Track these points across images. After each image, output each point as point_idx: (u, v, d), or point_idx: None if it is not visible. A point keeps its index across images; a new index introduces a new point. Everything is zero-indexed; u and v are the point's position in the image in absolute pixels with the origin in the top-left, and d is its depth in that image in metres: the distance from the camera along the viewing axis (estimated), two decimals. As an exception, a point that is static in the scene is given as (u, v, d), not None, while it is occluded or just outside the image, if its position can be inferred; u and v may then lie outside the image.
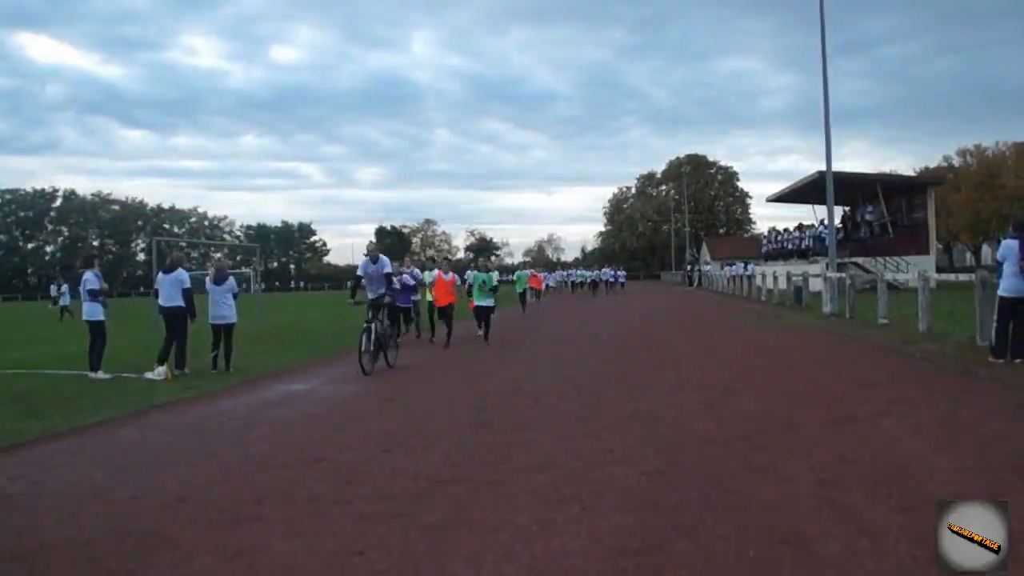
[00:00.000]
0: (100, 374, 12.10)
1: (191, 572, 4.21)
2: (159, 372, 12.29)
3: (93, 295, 12.38)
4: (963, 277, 16.69)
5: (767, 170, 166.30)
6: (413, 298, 17.92)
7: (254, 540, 4.64)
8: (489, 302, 17.53)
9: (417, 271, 18.58)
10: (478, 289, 17.49)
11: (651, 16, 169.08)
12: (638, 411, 8.35)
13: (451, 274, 17.60)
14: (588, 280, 56.90)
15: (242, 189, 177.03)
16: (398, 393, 10.42)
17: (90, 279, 12.43)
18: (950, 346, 12.66)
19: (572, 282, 59.61)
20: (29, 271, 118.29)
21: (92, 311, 12.42)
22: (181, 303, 12.72)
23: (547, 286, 49.06)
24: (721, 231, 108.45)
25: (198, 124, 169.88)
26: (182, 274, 12.98)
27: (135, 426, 8.68)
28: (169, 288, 12.83)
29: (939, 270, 45.20)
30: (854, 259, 35.92)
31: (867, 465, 5.76)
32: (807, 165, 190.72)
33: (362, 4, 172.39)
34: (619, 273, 61.81)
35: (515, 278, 34.08)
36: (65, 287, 37.67)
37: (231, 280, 13.69)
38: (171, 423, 8.80)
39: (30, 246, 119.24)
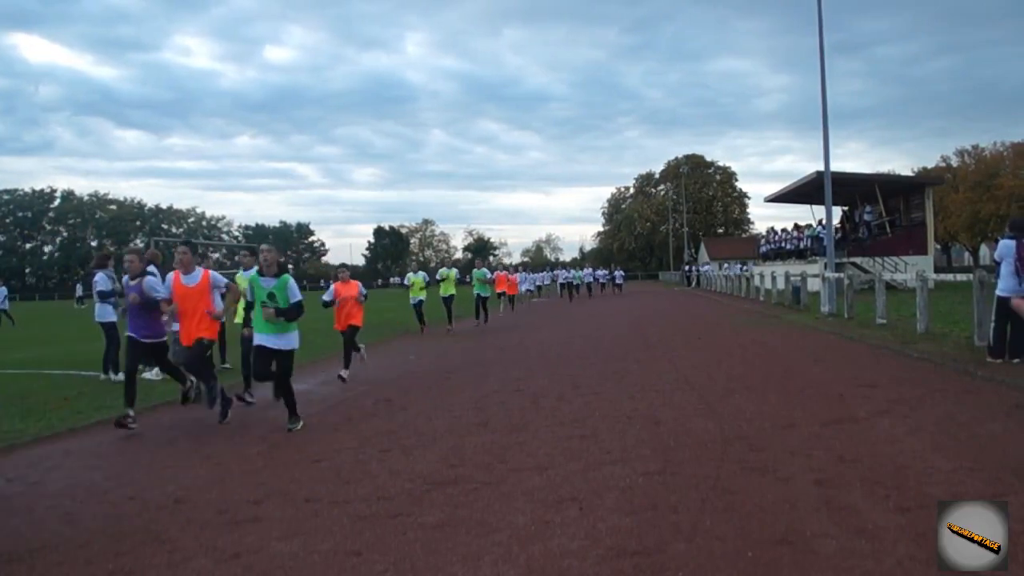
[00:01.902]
0: (111, 376, 11.97)
1: (188, 573, 4.21)
2: (156, 372, 12.28)
3: (102, 296, 12.32)
4: (961, 277, 16.65)
5: (763, 170, 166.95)
6: (172, 327, 9.56)
7: (252, 541, 4.65)
8: (283, 340, 8.34)
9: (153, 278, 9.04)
10: (258, 309, 8.45)
11: (644, 16, 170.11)
12: (636, 412, 8.35)
13: (200, 272, 8.83)
14: (568, 281, 46.04)
15: (239, 190, 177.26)
16: (396, 393, 10.42)
17: (100, 280, 12.30)
18: (948, 346, 12.66)
19: (560, 284, 47.58)
20: (27, 271, 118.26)
21: (102, 312, 12.37)
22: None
23: (530, 290, 41.02)
24: (719, 231, 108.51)
25: (193, 125, 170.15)
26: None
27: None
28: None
29: (937, 270, 45.32)
30: (852, 259, 35.93)
31: (865, 466, 5.76)
32: (804, 166, 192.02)
33: (355, 5, 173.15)
34: (617, 273, 56.01)
35: (472, 279, 25.18)
36: (4, 290, 37.49)
37: (221, 280, 13.88)
38: (168, 423, 8.80)
39: (28, 246, 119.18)
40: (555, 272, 54.02)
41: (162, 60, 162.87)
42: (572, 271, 50.87)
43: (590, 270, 54.35)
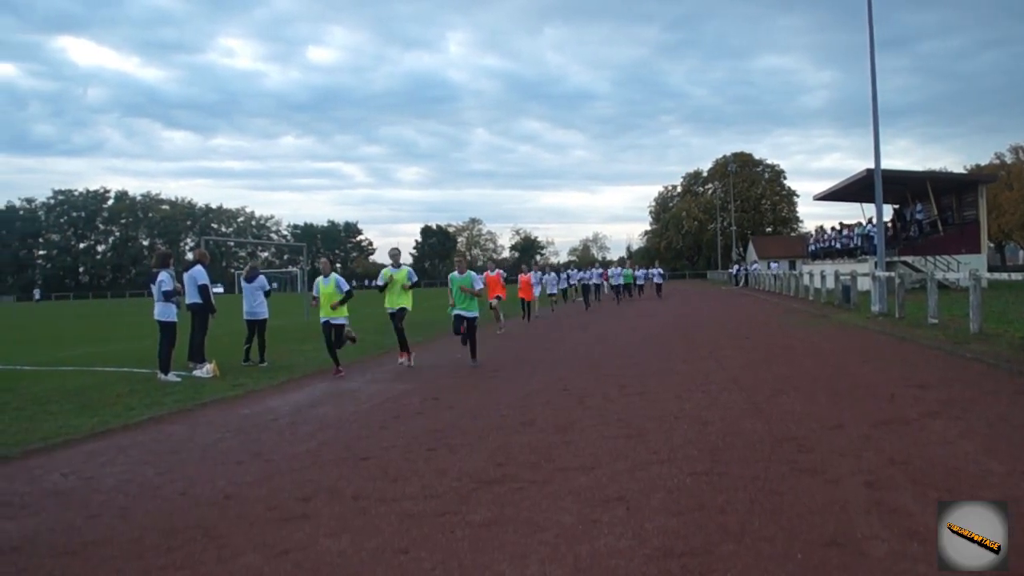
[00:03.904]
0: (171, 376, 12.09)
1: (238, 569, 4.27)
2: (206, 370, 12.48)
3: (167, 295, 12.51)
4: (1016, 276, 16.30)
5: (810, 168, 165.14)
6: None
7: (300, 538, 4.69)
8: None
9: None
10: None
11: (684, 14, 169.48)
12: (683, 412, 8.28)
13: None
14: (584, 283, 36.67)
15: (286, 189, 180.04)
16: (443, 392, 10.46)
17: (164, 279, 12.43)
18: (1002, 347, 12.38)
19: (591, 284, 37.33)
20: (81, 270, 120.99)
21: (165, 311, 12.45)
22: (198, 299, 13.22)
23: (552, 294, 32.64)
24: (768, 230, 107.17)
25: (238, 125, 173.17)
26: (197, 271, 13.32)
27: (183, 423, 8.83)
28: (189, 285, 13.35)
29: (991, 269, 44.37)
30: (903, 258, 35.34)
31: (917, 467, 5.66)
32: (851, 163, 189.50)
33: (396, 5, 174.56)
34: (655, 272, 47.27)
35: (451, 287, 14.19)
36: None
37: (261, 278, 14.66)
38: (219, 420, 8.93)
39: (82, 246, 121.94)
40: (567, 272, 40.01)
41: (206, 61, 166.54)
42: (576, 271, 42.07)
43: (619, 269, 41.70)
